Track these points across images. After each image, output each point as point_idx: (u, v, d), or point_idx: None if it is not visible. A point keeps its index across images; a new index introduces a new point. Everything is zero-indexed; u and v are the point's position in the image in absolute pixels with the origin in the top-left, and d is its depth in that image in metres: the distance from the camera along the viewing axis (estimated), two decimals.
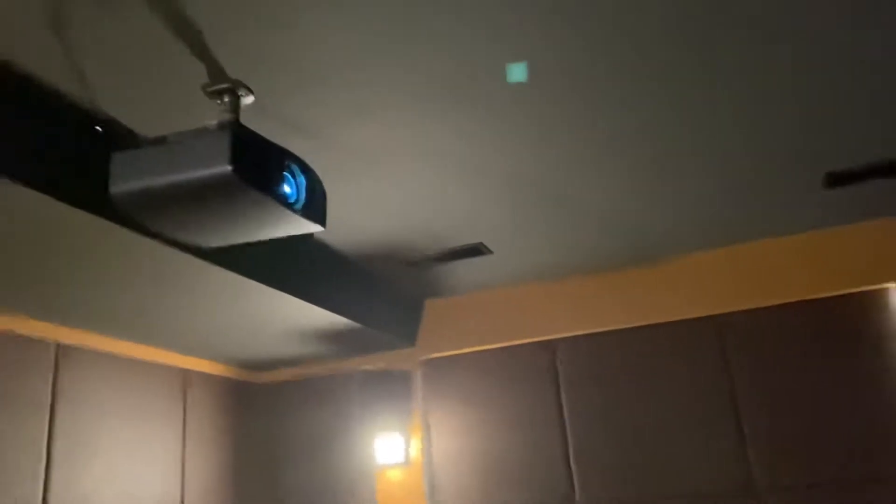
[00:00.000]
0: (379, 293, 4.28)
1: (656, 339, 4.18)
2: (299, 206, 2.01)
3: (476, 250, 3.82)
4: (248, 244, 2.33)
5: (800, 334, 3.91)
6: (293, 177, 2.01)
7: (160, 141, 1.93)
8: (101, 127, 2.25)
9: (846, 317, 3.86)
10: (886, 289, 3.84)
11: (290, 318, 3.84)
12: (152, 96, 2.21)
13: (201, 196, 1.88)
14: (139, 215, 1.98)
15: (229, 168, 1.79)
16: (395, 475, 4.51)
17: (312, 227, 2.11)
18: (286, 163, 1.99)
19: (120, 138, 2.24)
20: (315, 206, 2.09)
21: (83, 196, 2.23)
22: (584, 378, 4.26)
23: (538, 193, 3.21)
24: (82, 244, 2.59)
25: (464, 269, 4.14)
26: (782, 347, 3.93)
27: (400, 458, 4.48)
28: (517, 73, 2.73)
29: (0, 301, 3.10)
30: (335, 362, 4.77)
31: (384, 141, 2.62)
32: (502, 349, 4.46)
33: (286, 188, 1.98)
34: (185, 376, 4.28)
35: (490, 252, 3.86)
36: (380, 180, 2.94)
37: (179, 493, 4.05)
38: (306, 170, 2.06)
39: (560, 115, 2.56)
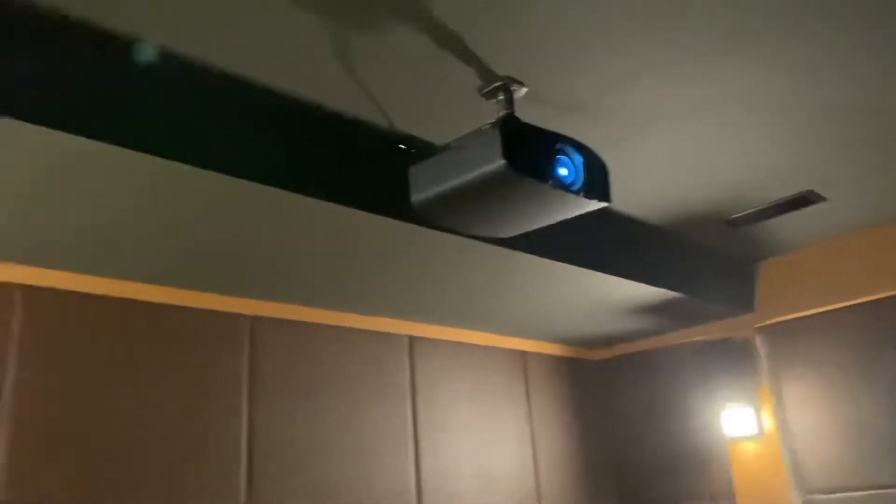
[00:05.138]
0: (703, 261, 4.08)
1: None
2: (577, 186, 2.04)
3: (805, 200, 3.43)
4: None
5: None
6: (569, 158, 2.05)
7: (445, 148, 2.12)
8: (403, 145, 2.53)
9: None
10: None
11: (614, 296, 3.86)
12: (439, 109, 2.42)
13: (485, 192, 2.02)
14: (438, 218, 2.20)
15: (503, 162, 1.89)
16: (748, 448, 4.26)
17: (596, 205, 2.12)
18: (559, 146, 2.03)
19: (421, 152, 2.49)
20: (596, 184, 2.10)
21: (394, 206, 2.51)
22: None
23: (869, 124, 2.77)
24: (416, 250, 2.94)
25: (796, 223, 3.73)
26: None
27: (752, 430, 4.22)
28: None
29: (359, 305, 3.65)
30: (669, 335, 4.67)
31: (668, 98, 2.50)
32: (855, 306, 3.92)
33: (562, 171, 2.02)
34: (525, 358, 4.56)
35: (823, 199, 3.44)
36: (673, 139, 2.79)
37: (532, 467, 4.32)
38: (581, 148, 2.08)
39: (884, 23, 2.17)
